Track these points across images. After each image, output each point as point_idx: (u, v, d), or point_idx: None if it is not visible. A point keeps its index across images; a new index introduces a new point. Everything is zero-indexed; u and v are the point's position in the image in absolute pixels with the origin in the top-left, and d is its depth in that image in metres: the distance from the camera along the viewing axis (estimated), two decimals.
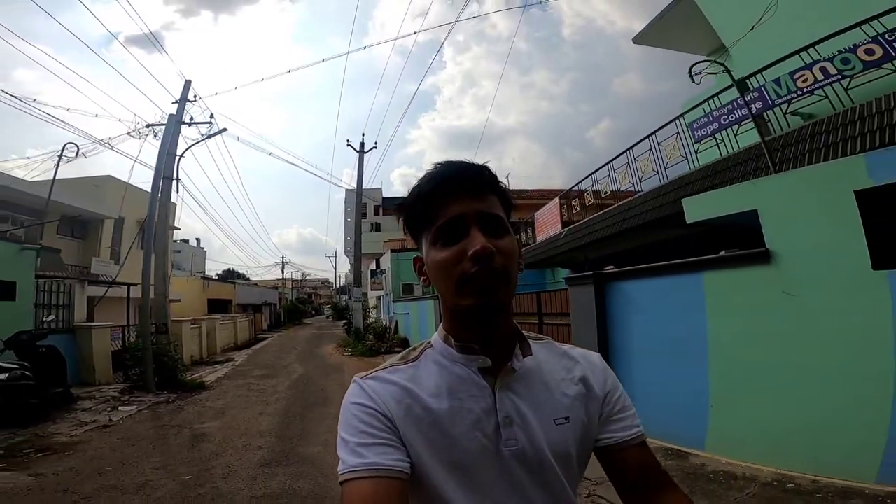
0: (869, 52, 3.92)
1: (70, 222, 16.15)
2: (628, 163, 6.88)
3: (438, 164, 0.69)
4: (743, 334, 3.32)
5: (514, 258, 0.65)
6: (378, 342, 15.19)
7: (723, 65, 4.43)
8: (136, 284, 10.83)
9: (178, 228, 20.89)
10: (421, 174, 0.70)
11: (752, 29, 5.86)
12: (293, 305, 39.75)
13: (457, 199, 0.64)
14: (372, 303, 24.41)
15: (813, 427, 2.95)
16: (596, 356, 0.77)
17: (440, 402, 0.65)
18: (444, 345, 0.70)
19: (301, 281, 61.19)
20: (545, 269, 11.34)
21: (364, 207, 25.32)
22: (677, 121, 5.70)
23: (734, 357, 3.35)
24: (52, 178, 11.00)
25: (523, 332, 0.71)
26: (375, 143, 19.36)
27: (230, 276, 38.75)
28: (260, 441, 4.93)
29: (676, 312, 3.77)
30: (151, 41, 54.57)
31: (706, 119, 5.26)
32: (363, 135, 23.08)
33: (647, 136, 6.28)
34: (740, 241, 3.34)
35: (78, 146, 9.76)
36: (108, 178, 16.94)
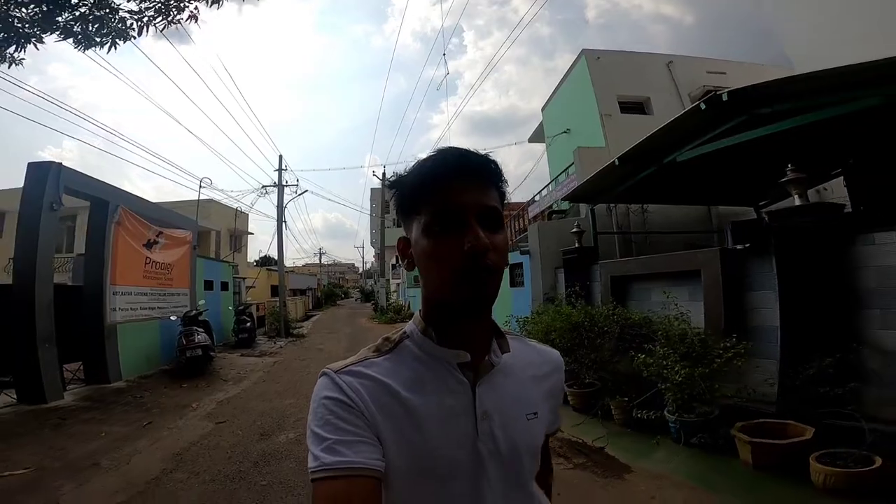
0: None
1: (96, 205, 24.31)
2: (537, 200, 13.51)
3: (444, 149, 0.67)
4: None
5: (505, 254, 0.65)
6: (396, 315, 22.54)
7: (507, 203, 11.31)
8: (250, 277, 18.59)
9: (252, 233, 28.76)
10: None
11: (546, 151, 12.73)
12: (329, 290, 47.88)
13: (459, 189, 0.62)
14: (393, 287, 31.84)
15: None
16: (556, 354, 0.81)
17: (417, 396, 0.64)
18: (422, 336, 0.69)
19: (331, 265, 69.56)
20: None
21: (387, 204, 32.54)
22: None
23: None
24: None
25: (500, 327, 0.72)
26: (395, 172, 26.24)
27: (266, 262, 46.61)
28: (344, 351, 12.23)
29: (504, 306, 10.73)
30: (261, 131, 63.20)
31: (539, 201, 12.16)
32: (384, 167, 30.17)
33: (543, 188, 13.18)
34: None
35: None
36: (211, 201, 24.63)
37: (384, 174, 26.19)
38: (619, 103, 9.64)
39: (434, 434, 0.62)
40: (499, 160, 0.68)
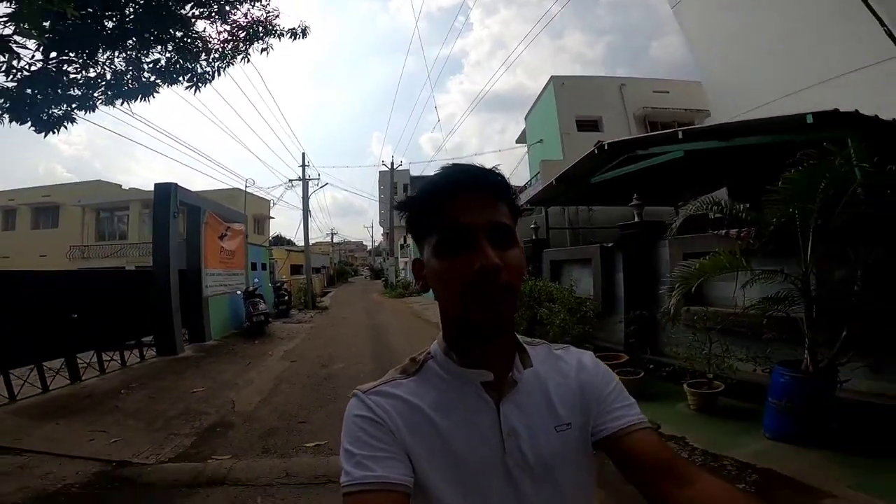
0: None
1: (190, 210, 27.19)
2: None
3: (449, 166, 0.68)
4: None
5: (520, 272, 0.64)
6: (404, 290, 25.46)
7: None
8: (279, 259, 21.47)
9: (273, 218, 31.71)
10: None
11: (527, 153, 15.22)
12: (341, 268, 51.10)
13: (466, 208, 0.62)
14: (401, 265, 34.72)
15: None
16: (588, 356, 0.79)
17: (444, 416, 0.66)
18: (444, 357, 0.70)
19: (341, 244, 72.74)
20: None
21: (395, 186, 35.19)
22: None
23: None
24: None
25: (521, 340, 0.73)
26: (401, 161, 28.61)
27: (279, 241, 49.61)
28: (363, 319, 15.18)
29: None
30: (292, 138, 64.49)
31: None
32: (392, 156, 32.60)
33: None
34: None
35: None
36: (237, 189, 27.35)
37: (392, 163, 28.74)
38: (577, 122, 12.06)
39: (461, 453, 0.64)
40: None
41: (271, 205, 21.58)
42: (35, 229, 23.97)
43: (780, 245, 3.61)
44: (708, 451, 3.62)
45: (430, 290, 0.68)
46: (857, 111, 3.98)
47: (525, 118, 15.86)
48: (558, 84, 12.30)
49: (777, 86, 8.53)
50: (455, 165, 0.68)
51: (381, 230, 52.58)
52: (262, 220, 30.05)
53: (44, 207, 23.92)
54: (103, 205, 22.66)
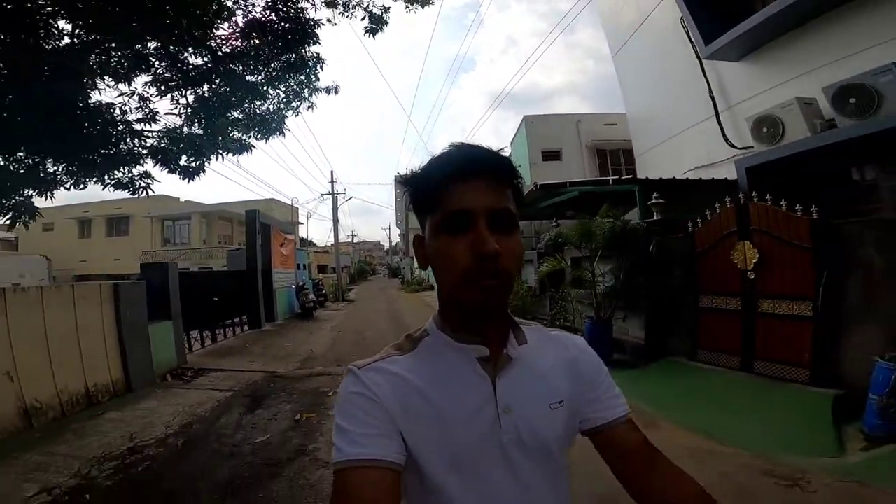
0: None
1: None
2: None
3: (455, 145, 0.68)
4: None
5: (518, 258, 0.66)
6: (418, 286, 29.45)
7: None
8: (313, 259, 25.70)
9: (302, 223, 36.11)
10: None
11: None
12: (361, 267, 55.50)
13: (471, 190, 0.63)
14: (416, 264, 38.82)
15: None
16: (581, 340, 0.81)
17: (439, 392, 0.66)
18: (440, 333, 0.71)
19: (359, 244, 77.39)
20: None
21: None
22: None
23: None
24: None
25: (515, 319, 0.75)
26: (409, 169, 32.49)
27: (302, 243, 53.71)
28: (385, 308, 19.23)
29: None
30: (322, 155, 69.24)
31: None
32: (409, 169, 36.68)
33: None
34: None
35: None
36: (273, 200, 31.62)
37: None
38: (542, 153, 15.68)
39: (458, 429, 0.64)
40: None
41: (307, 217, 25.61)
42: (109, 237, 28.67)
43: (593, 254, 7.40)
44: None
45: (430, 268, 0.69)
46: (634, 175, 7.71)
47: (510, 143, 19.52)
48: (529, 122, 15.91)
49: (676, 123, 11.53)
50: (462, 145, 0.68)
51: (397, 231, 56.75)
52: (294, 226, 34.49)
53: (116, 218, 28.56)
54: (169, 215, 27.19)
